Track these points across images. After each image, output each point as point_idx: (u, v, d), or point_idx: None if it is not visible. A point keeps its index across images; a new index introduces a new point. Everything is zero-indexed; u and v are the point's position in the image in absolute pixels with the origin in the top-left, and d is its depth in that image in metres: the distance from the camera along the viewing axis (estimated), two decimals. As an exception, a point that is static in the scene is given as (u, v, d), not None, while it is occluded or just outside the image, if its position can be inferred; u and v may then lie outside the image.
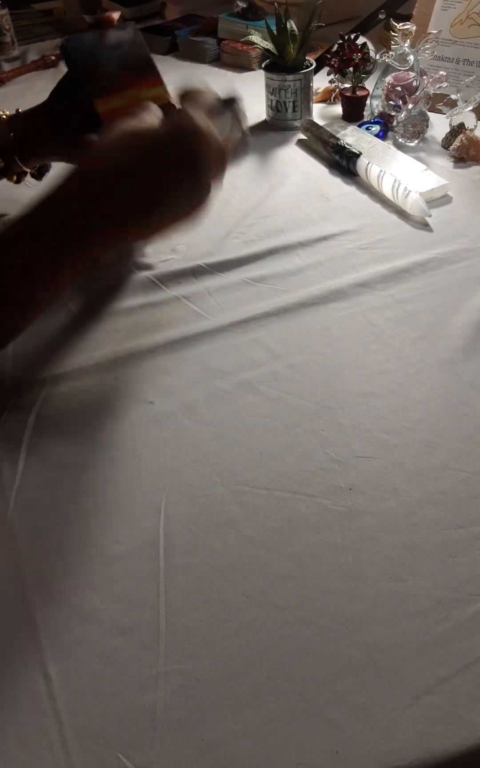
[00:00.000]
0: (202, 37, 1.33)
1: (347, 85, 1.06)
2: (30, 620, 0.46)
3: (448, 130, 0.97)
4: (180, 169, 0.53)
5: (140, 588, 0.48)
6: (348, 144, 0.93)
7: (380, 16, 1.22)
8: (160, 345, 0.67)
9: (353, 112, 1.07)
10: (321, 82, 1.12)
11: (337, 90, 1.10)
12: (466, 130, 0.95)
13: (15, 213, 0.53)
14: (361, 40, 1.04)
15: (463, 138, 0.94)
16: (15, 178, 0.78)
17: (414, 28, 0.97)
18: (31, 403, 0.61)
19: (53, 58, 1.33)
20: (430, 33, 0.99)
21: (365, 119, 1.06)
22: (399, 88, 0.96)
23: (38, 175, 0.81)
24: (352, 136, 0.98)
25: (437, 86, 0.96)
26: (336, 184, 0.92)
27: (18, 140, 0.72)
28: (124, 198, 0.52)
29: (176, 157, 0.53)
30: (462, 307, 0.69)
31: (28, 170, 0.78)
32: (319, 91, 1.13)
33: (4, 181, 0.77)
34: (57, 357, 0.66)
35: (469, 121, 0.95)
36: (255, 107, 1.10)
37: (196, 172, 0.54)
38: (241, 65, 1.29)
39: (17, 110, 0.73)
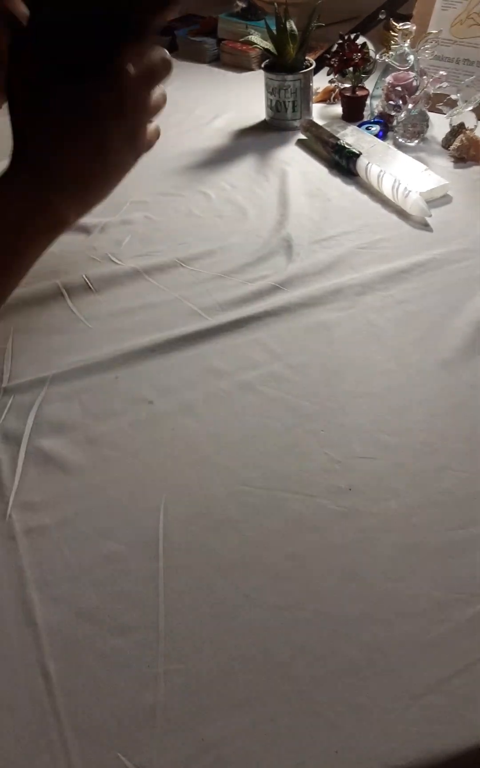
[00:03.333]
0: (202, 36, 1.33)
1: (347, 85, 1.06)
2: (30, 620, 0.46)
3: (448, 130, 0.97)
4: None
5: (140, 588, 0.48)
6: (348, 144, 0.93)
7: (380, 16, 1.22)
8: (159, 345, 0.67)
9: (353, 112, 1.07)
10: (321, 82, 1.11)
11: (337, 90, 1.10)
12: (466, 130, 0.95)
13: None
14: (361, 40, 1.04)
15: (463, 138, 0.94)
16: None
17: (414, 28, 0.97)
18: (31, 403, 0.61)
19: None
20: (430, 33, 0.99)
21: (365, 119, 1.06)
22: (399, 88, 0.96)
23: None
24: (352, 136, 0.98)
25: (437, 86, 0.96)
26: (336, 184, 0.92)
27: None
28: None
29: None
30: (462, 307, 0.69)
31: None
32: (319, 91, 1.13)
33: None
34: (57, 357, 0.66)
35: (469, 121, 0.95)
36: (255, 107, 1.10)
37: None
38: (240, 65, 1.29)
39: None
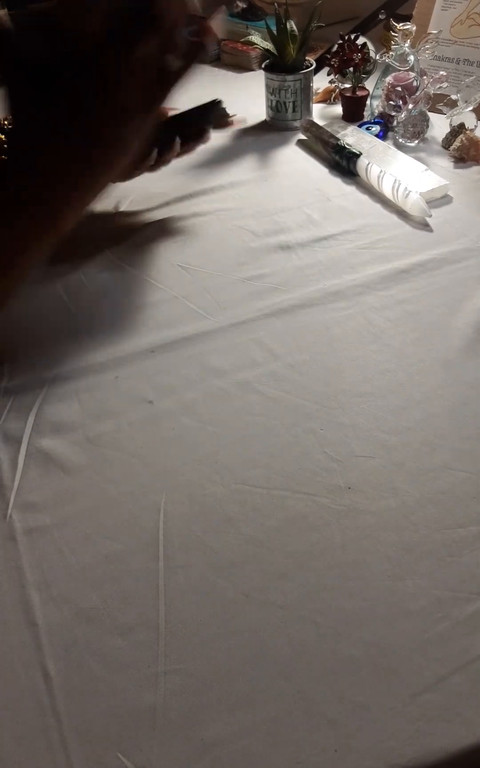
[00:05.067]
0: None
1: (347, 86, 1.06)
2: (30, 620, 0.46)
3: (448, 130, 0.97)
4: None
5: (140, 588, 0.48)
6: (348, 144, 0.93)
7: (380, 16, 1.22)
8: (159, 344, 0.67)
9: (353, 112, 1.07)
10: (321, 82, 1.12)
11: (337, 90, 1.10)
12: (466, 130, 0.95)
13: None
14: (361, 40, 1.04)
15: (464, 138, 0.94)
16: None
17: (414, 28, 0.97)
18: (31, 403, 0.61)
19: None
20: (430, 33, 0.99)
21: (365, 119, 1.06)
22: (399, 89, 0.96)
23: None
24: (352, 137, 0.98)
25: (437, 86, 0.96)
26: (336, 184, 0.92)
27: None
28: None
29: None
30: (462, 307, 0.69)
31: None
32: (319, 91, 1.13)
33: None
34: (56, 357, 0.66)
35: (470, 121, 0.95)
36: (255, 107, 1.10)
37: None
38: (241, 65, 1.29)
39: None
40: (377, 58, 1.04)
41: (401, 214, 0.84)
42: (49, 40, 0.48)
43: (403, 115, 0.97)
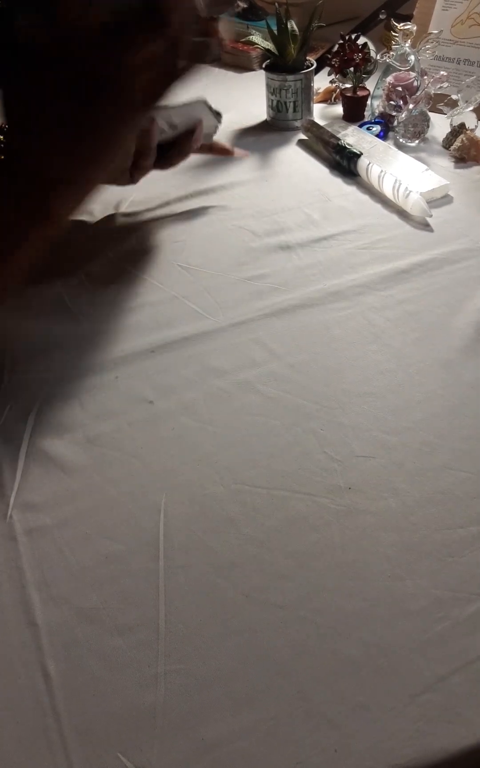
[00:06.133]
0: (202, 37, 1.33)
1: (348, 85, 1.06)
2: (30, 620, 0.46)
3: (448, 130, 0.97)
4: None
5: (140, 588, 0.48)
6: (349, 144, 0.93)
7: (381, 16, 1.22)
8: (159, 344, 0.67)
9: (354, 112, 1.07)
10: (322, 82, 1.12)
11: (338, 90, 1.10)
12: (466, 130, 0.95)
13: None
14: (361, 40, 1.04)
15: (464, 138, 0.94)
16: None
17: (414, 28, 0.97)
18: (31, 403, 0.61)
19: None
20: (430, 33, 0.99)
21: (366, 119, 1.06)
22: (400, 89, 0.96)
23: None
24: (352, 137, 0.98)
25: (438, 86, 0.96)
26: (336, 184, 0.92)
27: None
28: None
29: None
30: (462, 307, 0.69)
31: None
32: (320, 91, 1.13)
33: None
34: (56, 357, 0.66)
35: (470, 121, 0.95)
36: (255, 107, 1.10)
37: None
38: (241, 65, 1.29)
39: None
40: (378, 58, 1.04)
41: (402, 214, 0.84)
42: (48, 24, 0.48)
43: (403, 115, 0.97)
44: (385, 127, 1.01)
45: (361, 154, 0.91)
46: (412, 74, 0.98)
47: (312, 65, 1.04)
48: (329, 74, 1.07)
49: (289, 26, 1.00)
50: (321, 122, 1.03)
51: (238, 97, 1.16)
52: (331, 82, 1.09)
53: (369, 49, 1.04)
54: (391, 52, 0.99)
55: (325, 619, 0.45)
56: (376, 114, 1.04)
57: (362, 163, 0.89)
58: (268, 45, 1.03)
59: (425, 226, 0.82)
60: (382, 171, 0.86)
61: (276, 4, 1.01)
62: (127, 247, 0.81)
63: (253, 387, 0.62)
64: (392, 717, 0.41)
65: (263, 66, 1.05)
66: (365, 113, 1.07)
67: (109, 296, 0.74)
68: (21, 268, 0.54)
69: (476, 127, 0.95)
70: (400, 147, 0.97)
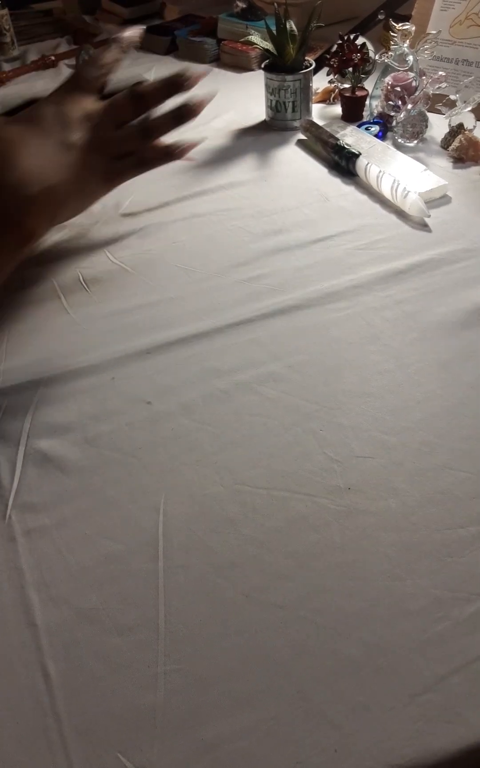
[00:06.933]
0: (202, 37, 1.33)
1: (346, 86, 1.06)
2: (30, 620, 0.46)
3: (447, 130, 0.97)
4: None
5: (140, 588, 0.48)
6: (347, 144, 0.93)
7: (379, 16, 1.22)
8: (157, 345, 0.67)
9: (352, 112, 1.07)
10: (320, 82, 1.12)
11: (337, 90, 1.10)
12: (465, 130, 0.95)
13: None
14: (360, 40, 1.04)
15: (463, 138, 0.94)
16: None
17: (413, 28, 0.97)
18: (28, 404, 0.61)
19: (53, 58, 1.33)
20: (429, 33, 0.99)
21: (364, 119, 1.06)
22: (398, 89, 0.96)
23: None
24: (351, 137, 0.98)
25: (436, 87, 0.96)
26: (335, 184, 0.92)
27: None
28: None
29: None
30: (461, 307, 0.69)
31: None
32: (319, 91, 1.13)
33: None
34: (52, 358, 0.66)
35: (468, 121, 0.95)
36: (254, 107, 1.10)
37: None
38: (240, 65, 1.29)
39: None
40: (376, 58, 1.04)
41: (400, 214, 0.84)
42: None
43: (402, 116, 0.97)
44: (384, 127, 1.01)
45: (360, 154, 0.91)
46: (411, 74, 0.98)
47: (311, 65, 1.04)
48: (328, 74, 1.07)
49: (287, 26, 1.00)
50: (320, 122, 1.03)
51: (236, 98, 1.16)
52: (330, 82, 1.09)
53: (367, 49, 1.04)
54: (390, 53, 0.99)
55: (325, 619, 0.45)
56: (375, 114, 1.04)
57: (361, 163, 0.89)
58: (267, 45, 1.03)
59: (423, 227, 0.82)
60: (380, 171, 0.87)
61: (275, 4, 1.01)
62: (126, 247, 0.81)
63: (252, 387, 0.62)
64: (392, 717, 0.41)
65: (262, 66, 1.05)
66: (364, 113, 1.07)
67: (105, 296, 0.74)
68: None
69: (474, 127, 0.96)
70: (398, 147, 0.97)
